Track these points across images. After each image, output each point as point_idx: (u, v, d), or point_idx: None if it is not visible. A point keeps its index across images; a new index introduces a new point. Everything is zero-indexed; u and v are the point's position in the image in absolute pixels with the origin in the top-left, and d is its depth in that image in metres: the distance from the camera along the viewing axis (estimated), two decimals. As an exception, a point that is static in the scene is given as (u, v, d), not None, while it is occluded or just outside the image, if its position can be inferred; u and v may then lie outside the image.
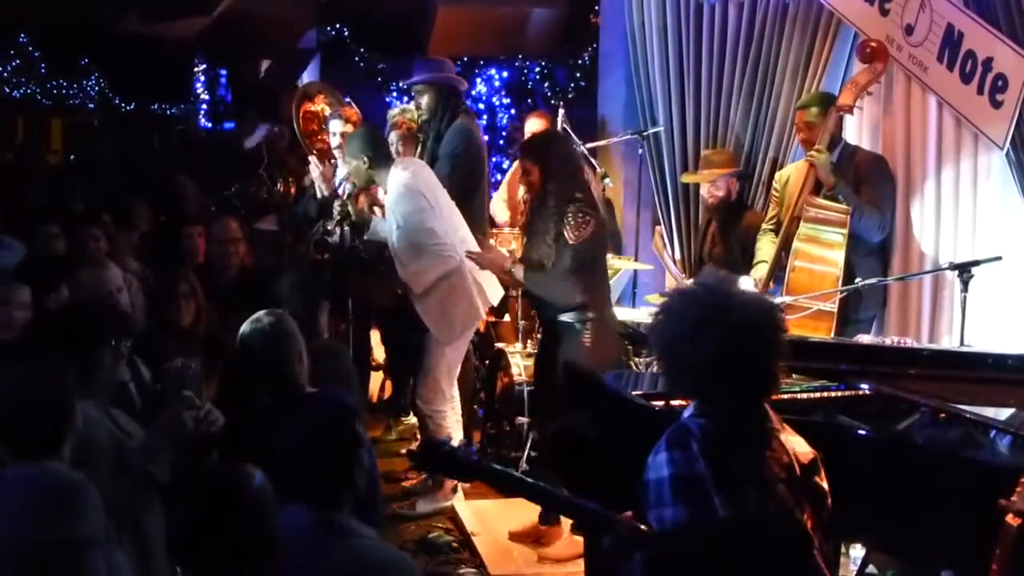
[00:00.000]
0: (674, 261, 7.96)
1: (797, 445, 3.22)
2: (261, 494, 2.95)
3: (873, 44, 6.19)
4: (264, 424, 3.97)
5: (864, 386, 4.35)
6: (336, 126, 7.69)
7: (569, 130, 7.92)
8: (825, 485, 3.25)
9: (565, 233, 5.87)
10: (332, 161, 7.79)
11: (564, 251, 5.89)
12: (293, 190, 9.18)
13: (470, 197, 7.32)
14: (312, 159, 7.91)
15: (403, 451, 7.69)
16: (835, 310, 5.87)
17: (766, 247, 6.50)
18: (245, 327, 4.71)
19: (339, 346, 6.40)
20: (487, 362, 7.93)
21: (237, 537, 2.89)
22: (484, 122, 12.08)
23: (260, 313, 4.76)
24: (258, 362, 4.63)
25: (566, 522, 6.00)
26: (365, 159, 6.77)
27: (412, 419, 8.08)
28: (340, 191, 7.52)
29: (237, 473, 2.99)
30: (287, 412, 3.64)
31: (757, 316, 3.17)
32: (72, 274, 6.41)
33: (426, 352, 6.86)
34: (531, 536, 6.31)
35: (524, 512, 6.35)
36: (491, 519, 6.58)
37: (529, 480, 3.36)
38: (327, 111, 8.17)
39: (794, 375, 4.62)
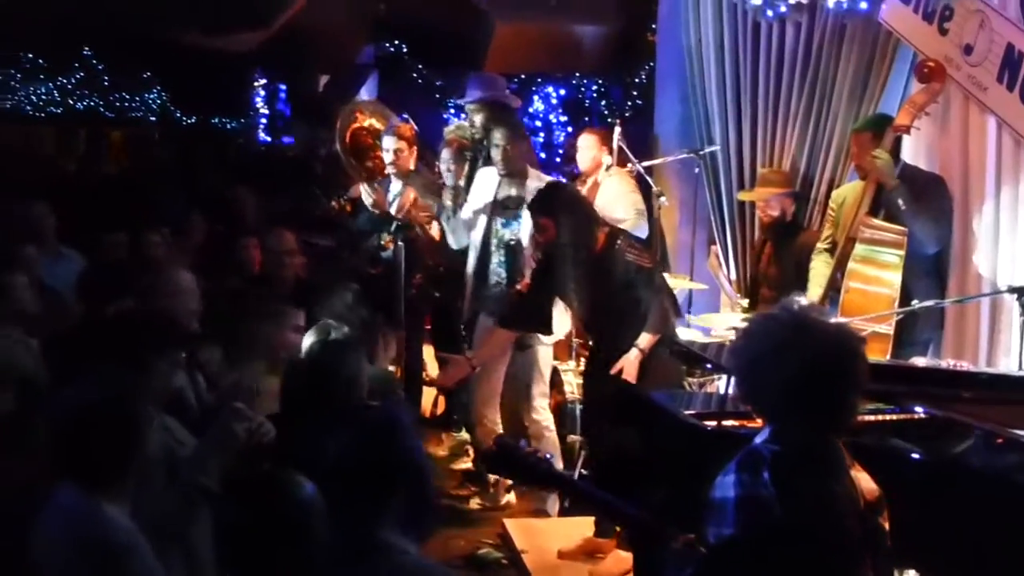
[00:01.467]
0: (729, 281, 7.92)
1: (864, 482, 3.19)
2: (310, 503, 2.96)
3: (931, 64, 6.13)
4: (318, 435, 3.98)
5: (918, 409, 4.30)
6: (390, 143, 7.70)
7: (625, 148, 7.90)
8: (887, 526, 3.22)
9: (641, 264, 6.01)
10: (382, 177, 7.80)
11: (649, 277, 6.03)
12: (348, 207, 9.22)
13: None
14: (364, 183, 7.90)
15: (455, 467, 7.76)
16: (891, 332, 5.82)
17: (820, 268, 6.46)
18: (310, 337, 4.73)
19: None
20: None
21: (285, 545, 2.90)
22: (541, 139, 12.13)
23: (326, 322, 4.79)
24: (322, 372, 4.57)
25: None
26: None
27: (464, 434, 8.08)
28: (392, 207, 7.58)
29: (286, 481, 3.01)
30: (341, 424, 3.64)
31: (840, 342, 3.14)
32: (137, 281, 6.48)
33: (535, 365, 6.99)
34: (581, 553, 6.29)
35: (573, 529, 6.35)
36: (540, 537, 6.57)
37: (594, 489, 3.41)
38: (375, 124, 8.17)
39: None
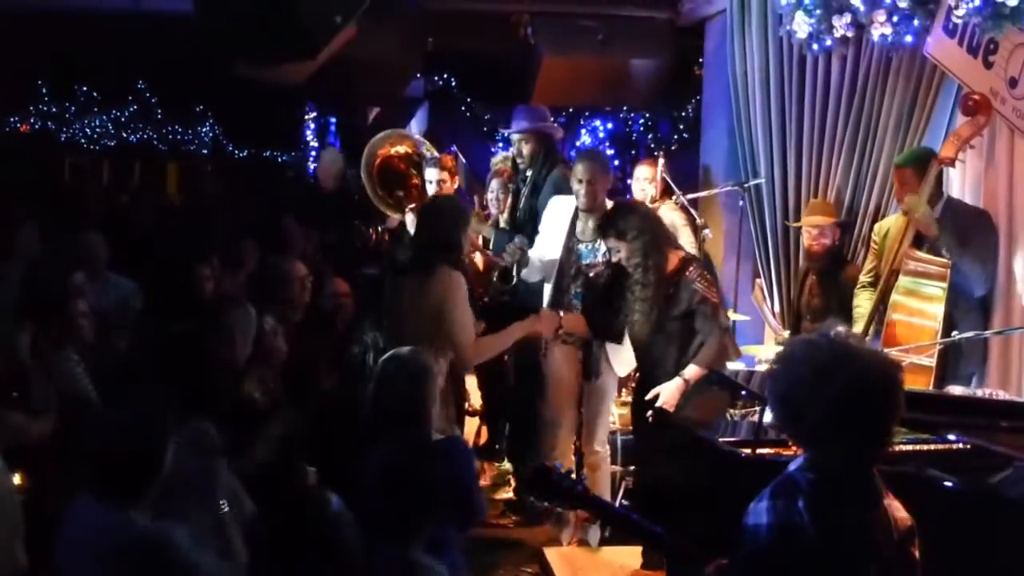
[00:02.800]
0: (773, 314, 7.92)
1: (897, 511, 3.19)
2: (338, 518, 3.03)
3: (976, 97, 6.13)
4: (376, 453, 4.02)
5: (951, 437, 4.29)
6: (433, 173, 7.70)
7: (669, 180, 7.94)
8: (917, 555, 3.22)
9: (707, 296, 6.04)
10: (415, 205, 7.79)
11: (713, 311, 6.08)
12: (387, 237, 9.25)
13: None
14: (408, 212, 7.85)
15: (496, 497, 7.78)
16: (933, 365, 5.79)
17: (864, 302, 6.45)
18: (385, 361, 4.72)
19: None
20: (580, 410, 7.91)
21: (315, 557, 2.96)
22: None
23: (403, 350, 4.76)
24: (395, 397, 4.58)
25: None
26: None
27: (506, 464, 8.11)
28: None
29: (315, 496, 3.08)
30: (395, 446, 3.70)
31: (878, 368, 3.16)
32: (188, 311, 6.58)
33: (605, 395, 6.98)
34: None
35: (613, 559, 6.36)
36: (580, 567, 6.57)
37: (628, 512, 3.52)
38: (407, 150, 8.11)
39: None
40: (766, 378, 3.46)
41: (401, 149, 8.17)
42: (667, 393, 6.04)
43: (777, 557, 3.05)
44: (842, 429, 3.10)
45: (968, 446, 4.26)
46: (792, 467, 3.21)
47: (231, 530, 3.97)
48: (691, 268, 6.11)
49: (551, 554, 6.74)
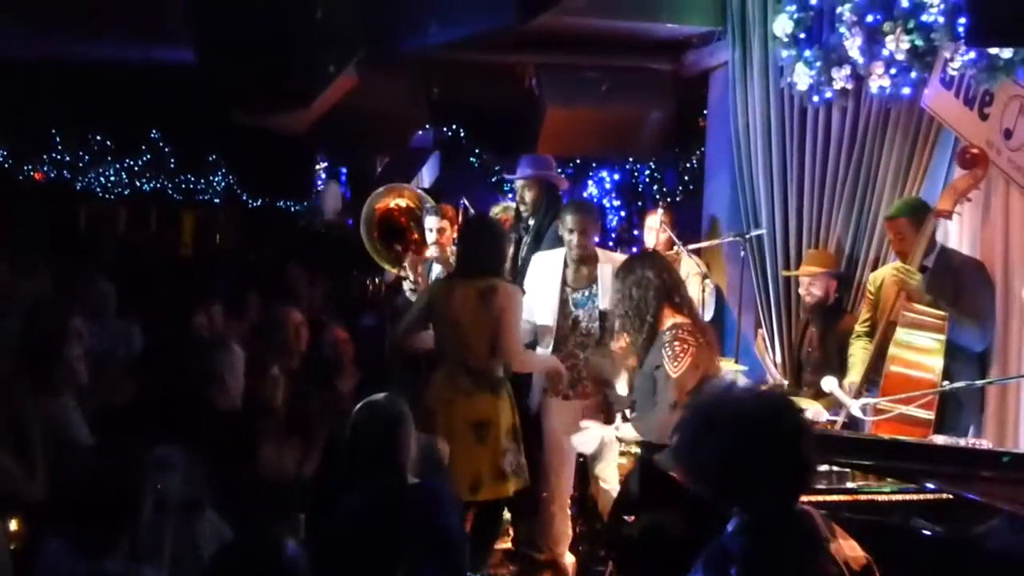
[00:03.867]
0: (774, 364, 7.90)
1: (848, 550, 3.15)
2: (292, 562, 3.03)
3: (974, 151, 6.15)
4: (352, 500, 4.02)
5: (930, 486, 4.26)
6: (432, 222, 7.68)
7: (669, 229, 7.95)
8: None
9: (665, 364, 5.56)
10: (415, 258, 7.81)
11: (666, 384, 5.55)
12: (384, 287, 9.27)
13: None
14: (407, 262, 7.88)
15: (496, 546, 7.72)
16: (931, 417, 5.75)
17: (859, 352, 6.43)
18: (360, 408, 4.74)
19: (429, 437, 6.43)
20: (580, 459, 7.88)
21: None
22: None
23: (377, 396, 4.79)
24: (368, 445, 4.60)
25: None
26: None
27: (505, 514, 8.06)
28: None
29: (270, 541, 3.08)
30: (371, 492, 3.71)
31: (750, 413, 3.14)
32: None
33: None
34: None
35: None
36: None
37: None
38: (409, 204, 8.14)
39: (865, 474, 4.56)
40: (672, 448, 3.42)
41: (403, 203, 8.19)
42: (590, 436, 6.06)
43: None
44: (746, 476, 3.09)
45: (949, 496, 4.23)
46: (725, 535, 3.17)
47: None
48: (670, 331, 5.64)
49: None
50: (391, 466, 4.49)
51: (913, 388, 5.88)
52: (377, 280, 8.88)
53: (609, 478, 6.86)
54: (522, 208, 7.81)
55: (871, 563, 3.16)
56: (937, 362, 5.96)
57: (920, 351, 6.02)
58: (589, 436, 6.12)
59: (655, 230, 8.27)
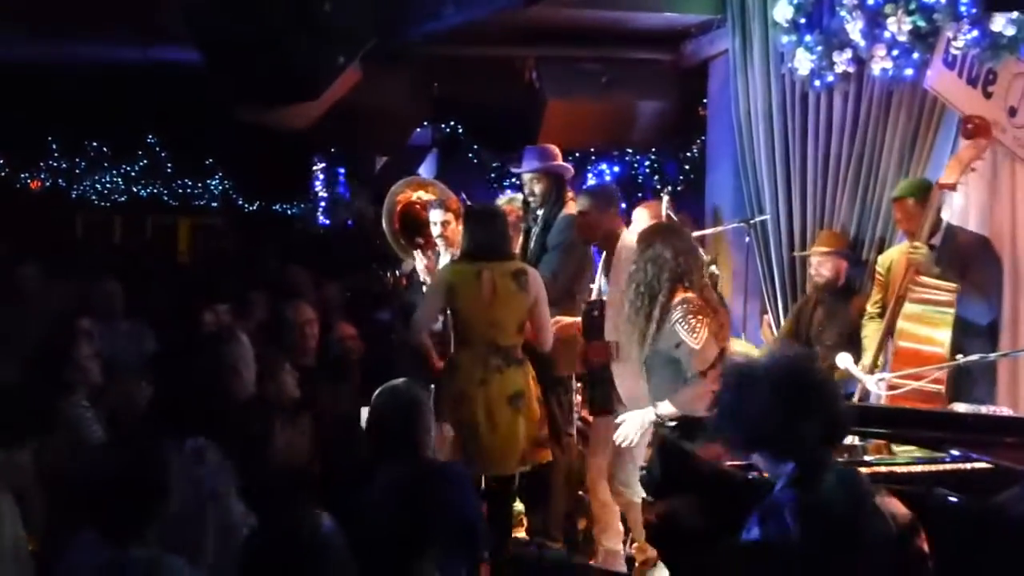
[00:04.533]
0: (781, 348, 7.91)
1: (894, 507, 3.26)
2: (329, 538, 3.06)
3: (976, 120, 6.17)
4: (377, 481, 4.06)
5: (955, 453, 4.30)
6: (437, 215, 7.71)
7: (673, 217, 7.97)
8: (926, 548, 3.27)
9: (685, 340, 5.61)
10: (435, 249, 7.87)
11: (690, 356, 5.62)
12: (404, 281, 9.30)
13: (574, 287, 7.39)
14: (417, 252, 7.96)
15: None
16: (942, 390, 5.79)
17: (872, 332, 6.46)
18: (380, 394, 4.83)
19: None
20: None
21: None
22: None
23: (396, 382, 4.88)
24: (388, 429, 4.70)
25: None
26: None
27: (518, 504, 8.08)
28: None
29: (307, 516, 3.11)
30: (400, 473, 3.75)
31: (788, 370, 3.36)
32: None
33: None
34: None
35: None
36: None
37: None
38: (427, 195, 8.21)
39: (889, 443, 4.59)
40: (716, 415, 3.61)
41: (424, 195, 8.23)
42: (630, 423, 5.93)
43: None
44: (787, 429, 3.28)
45: (973, 463, 4.26)
46: (776, 489, 3.36)
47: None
48: (680, 307, 5.68)
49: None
50: (412, 449, 4.54)
51: (923, 362, 5.91)
52: (397, 273, 8.87)
53: (622, 478, 6.70)
54: (531, 200, 7.81)
55: (915, 520, 3.28)
56: (946, 335, 5.98)
57: (929, 325, 6.04)
58: (630, 426, 5.96)
59: (640, 223, 8.21)
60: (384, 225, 8.19)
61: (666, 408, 5.72)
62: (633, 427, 5.89)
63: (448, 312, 6.91)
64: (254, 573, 3.13)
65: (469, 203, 8.42)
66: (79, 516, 3.76)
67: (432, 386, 6.75)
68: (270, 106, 7.80)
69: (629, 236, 6.82)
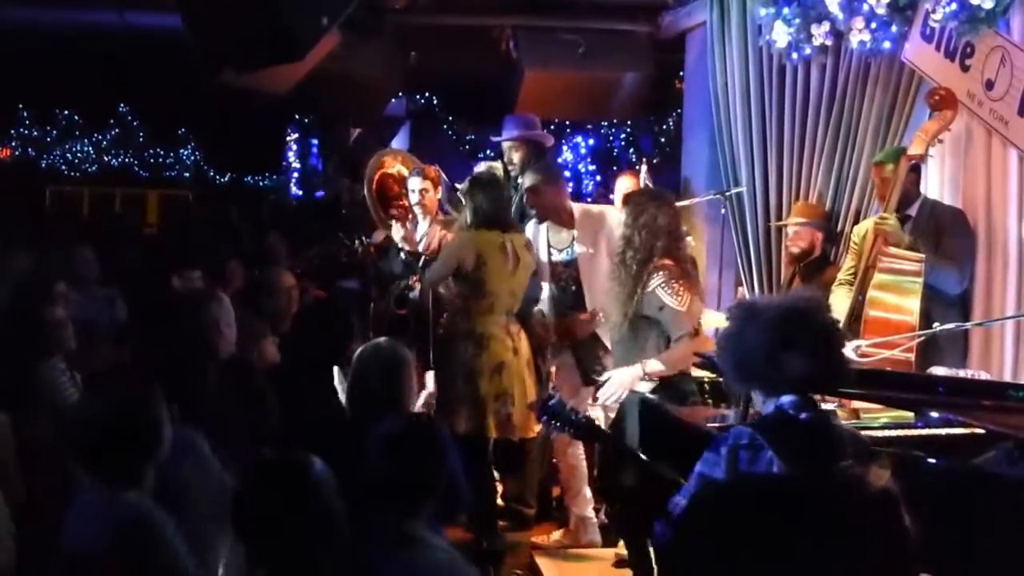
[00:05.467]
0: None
1: (878, 477, 3.37)
2: (321, 480, 3.09)
3: (941, 92, 6.22)
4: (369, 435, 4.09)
5: (934, 415, 4.36)
6: (416, 183, 7.73)
7: (651, 186, 8.00)
8: (907, 522, 3.35)
9: (670, 303, 5.69)
10: (412, 219, 7.87)
11: (677, 318, 5.72)
12: (373, 249, 9.31)
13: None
14: (394, 222, 7.96)
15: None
16: (911, 358, 5.84)
17: (840, 300, 6.50)
18: (362, 352, 4.90)
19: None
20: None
21: (298, 518, 3.03)
22: (570, 189, 12.24)
23: (379, 340, 5.01)
24: (372, 386, 4.77)
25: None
26: None
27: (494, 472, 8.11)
28: (422, 247, 7.64)
29: (298, 460, 3.14)
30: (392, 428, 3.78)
31: (790, 308, 3.48)
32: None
33: None
34: None
35: (601, 559, 6.41)
36: (569, 568, 6.61)
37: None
38: (402, 170, 8.24)
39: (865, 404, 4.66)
40: (718, 352, 3.74)
41: (394, 170, 8.26)
42: (619, 377, 5.92)
43: (734, 504, 3.34)
44: (781, 363, 3.40)
45: (952, 427, 4.32)
46: (756, 422, 3.55)
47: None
48: (657, 273, 5.76)
49: (540, 557, 6.78)
50: (396, 406, 4.60)
51: (892, 331, 5.94)
52: (365, 241, 8.87)
53: None
54: (510, 169, 7.84)
55: (894, 492, 3.34)
56: (914, 304, 6.03)
57: (897, 294, 6.08)
58: (616, 384, 5.94)
59: (623, 193, 8.24)
60: (366, 193, 8.22)
61: (655, 366, 5.77)
62: (620, 384, 5.89)
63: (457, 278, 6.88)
64: (248, 516, 3.14)
65: (443, 175, 8.43)
66: (75, 464, 3.77)
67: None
68: (251, 69, 7.77)
69: (608, 207, 6.92)
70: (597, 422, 5.26)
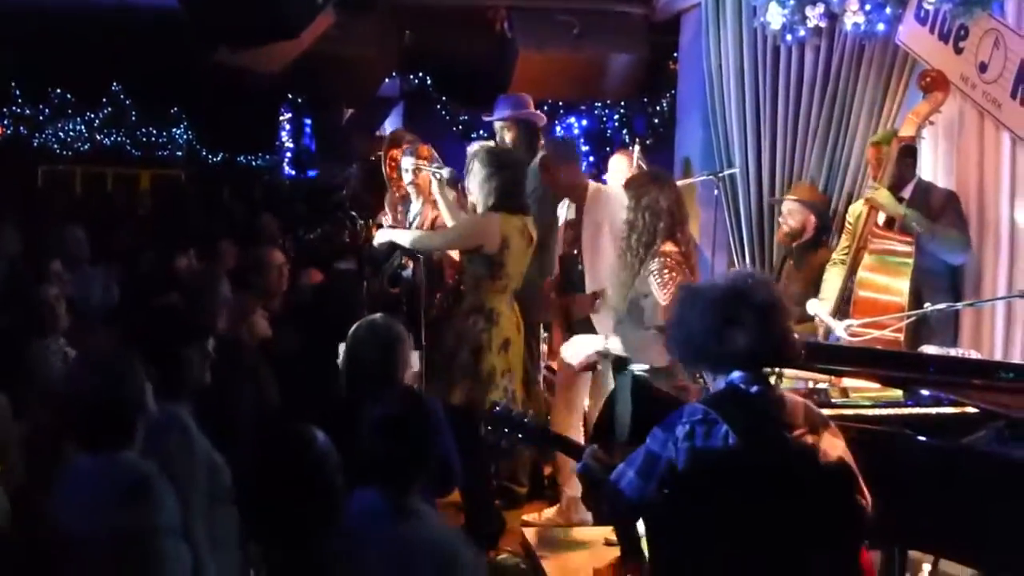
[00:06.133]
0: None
1: (831, 448, 3.46)
2: (323, 452, 3.11)
3: (932, 74, 6.26)
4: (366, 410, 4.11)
5: (924, 393, 4.39)
6: (408, 162, 7.67)
7: (644, 167, 8.01)
8: (864, 502, 3.45)
9: (655, 292, 5.67)
10: (405, 198, 7.86)
11: (655, 310, 5.66)
12: (374, 230, 9.32)
13: (548, 239, 7.32)
14: (387, 206, 7.96)
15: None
16: (901, 338, 5.87)
17: (833, 278, 6.53)
18: (357, 329, 4.92)
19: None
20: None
21: (301, 491, 3.05)
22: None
23: (375, 316, 5.02)
24: (367, 362, 4.80)
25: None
26: None
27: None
28: (415, 227, 7.63)
29: (300, 432, 3.16)
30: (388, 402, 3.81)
31: (727, 288, 3.54)
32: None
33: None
34: (615, 572, 6.22)
35: (593, 537, 6.44)
36: (560, 546, 6.63)
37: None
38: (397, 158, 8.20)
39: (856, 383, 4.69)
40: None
41: (396, 153, 8.24)
42: (581, 340, 6.09)
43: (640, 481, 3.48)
44: (725, 340, 3.46)
45: (942, 406, 4.35)
46: (707, 397, 3.60)
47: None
48: (658, 259, 5.73)
49: (531, 534, 6.80)
50: (389, 382, 4.62)
51: (881, 312, 5.99)
52: (368, 222, 8.83)
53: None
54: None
55: (849, 465, 3.45)
56: (904, 284, 6.08)
57: (889, 274, 6.13)
58: (575, 345, 6.15)
59: (617, 172, 8.25)
60: (384, 168, 8.22)
61: (616, 345, 5.85)
62: (579, 345, 6.07)
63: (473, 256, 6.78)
64: (251, 487, 3.16)
65: (435, 153, 8.42)
66: (69, 433, 3.83)
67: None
68: (245, 46, 7.76)
69: (612, 186, 6.89)
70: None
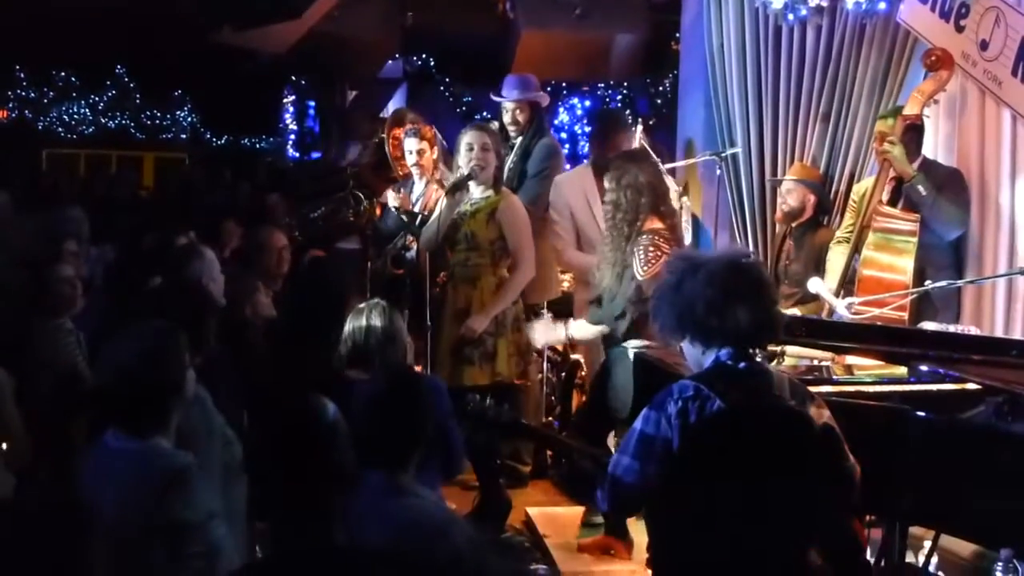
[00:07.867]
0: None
1: (818, 417, 3.54)
2: (334, 424, 3.13)
3: (938, 53, 6.26)
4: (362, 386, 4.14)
5: (924, 369, 4.42)
6: (412, 144, 7.73)
7: (648, 147, 8.02)
8: (854, 470, 3.54)
9: (634, 265, 5.75)
10: (408, 180, 7.88)
11: (630, 284, 5.78)
12: (379, 210, 9.33)
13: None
14: (390, 190, 7.99)
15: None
16: (905, 317, 5.90)
17: (837, 256, 6.55)
18: (356, 312, 4.96)
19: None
20: (563, 374, 7.98)
21: (311, 462, 3.07)
22: (566, 151, 12.27)
23: (372, 300, 5.06)
24: (363, 343, 4.86)
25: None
26: None
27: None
28: (418, 208, 7.64)
29: (312, 404, 3.18)
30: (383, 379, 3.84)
31: (716, 265, 3.54)
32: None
33: None
34: (600, 547, 6.32)
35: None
36: (564, 525, 6.66)
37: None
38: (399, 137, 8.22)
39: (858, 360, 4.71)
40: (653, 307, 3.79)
41: (398, 132, 8.26)
42: (544, 327, 6.28)
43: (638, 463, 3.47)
44: (724, 315, 3.48)
45: (943, 382, 4.38)
46: (699, 374, 3.59)
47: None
48: (647, 235, 5.81)
49: (535, 514, 6.83)
50: (388, 361, 4.69)
51: (885, 290, 6.00)
52: (374, 201, 8.85)
53: None
54: (511, 129, 7.84)
55: (835, 431, 3.54)
56: (908, 263, 6.10)
57: (893, 253, 6.15)
58: (538, 334, 6.36)
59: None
60: (387, 147, 8.26)
61: (579, 330, 6.04)
62: (539, 336, 6.33)
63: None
64: (264, 457, 3.18)
65: (439, 134, 8.43)
66: (101, 415, 3.80)
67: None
68: (249, 26, 7.77)
69: None
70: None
